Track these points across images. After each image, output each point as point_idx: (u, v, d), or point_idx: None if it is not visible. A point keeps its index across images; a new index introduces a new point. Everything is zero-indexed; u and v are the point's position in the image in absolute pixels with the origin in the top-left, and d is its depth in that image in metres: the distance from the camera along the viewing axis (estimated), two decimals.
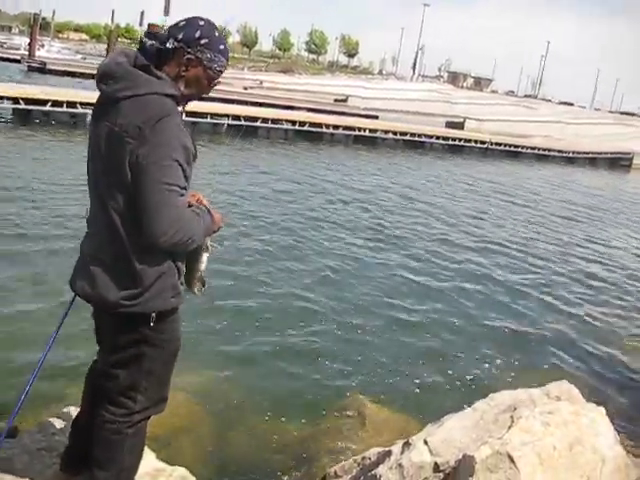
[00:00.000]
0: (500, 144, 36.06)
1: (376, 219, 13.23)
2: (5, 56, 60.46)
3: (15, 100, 20.50)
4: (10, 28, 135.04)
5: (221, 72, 2.57)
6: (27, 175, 12.31)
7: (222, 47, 2.55)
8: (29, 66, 50.61)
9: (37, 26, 60.29)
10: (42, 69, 49.04)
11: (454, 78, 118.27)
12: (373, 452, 3.87)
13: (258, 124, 26.12)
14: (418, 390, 6.05)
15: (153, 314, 2.56)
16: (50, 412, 3.81)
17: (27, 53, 56.22)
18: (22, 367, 4.75)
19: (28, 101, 20.65)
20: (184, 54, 2.46)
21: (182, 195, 2.37)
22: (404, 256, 10.69)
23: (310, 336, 6.86)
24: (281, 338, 6.74)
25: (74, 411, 3.69)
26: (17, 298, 6.67)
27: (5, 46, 71.20)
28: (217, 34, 2.55)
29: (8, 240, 8.42)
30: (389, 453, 3.55)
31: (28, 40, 61.57)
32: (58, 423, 3.61)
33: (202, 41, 2.49)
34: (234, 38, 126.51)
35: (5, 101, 20.47)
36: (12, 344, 5.66)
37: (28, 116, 20.78)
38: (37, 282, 7.13)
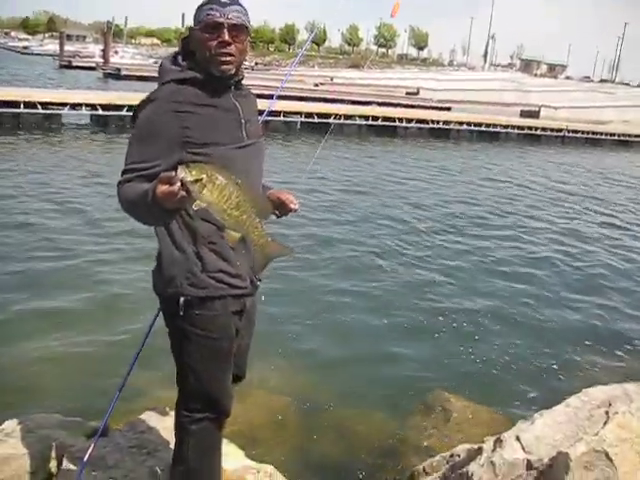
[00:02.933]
0: (577, 131, 35.21)
1: (469, 213, 13.07)
2: (81, 64, 62.54)
3: (92, 107, 21.12)
4: (85, 37, 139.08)
5: (210, 17, 2.50)
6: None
7: (205, 1, 2.54)
8: (104, 73, 52.25)
9: (110, 34, 62.00)
10: (117, 75, 50.62)
11: (527, 66, 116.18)
12: (462, 449, 3.81)
13: (331, 120, 26.19)
14: (502, 385, 5.94)
15: (180, 301, 2.55)
16: (140, 411, 3.87)
17: (102, 60, 57.88)
18: (115, 367, 4.88)
19: (105, 107, 21.24)
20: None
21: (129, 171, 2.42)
22: (495, 248, 10.55)
23: (392, 332, 6.82)
24: (364, 335, 6.73)
25: (163, 409, 3.81)
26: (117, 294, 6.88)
27: (81, 55, 73.48)
28: None
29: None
30: (480, 450, 3.47)
31: (102, 48, 63.37)
32: (148, 422, 3.70)
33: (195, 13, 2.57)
34: (302, 35, 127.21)
35: (83, 108, 21.07)
36: (105, 344, 5.83)
37: (105, 121, 21.39)
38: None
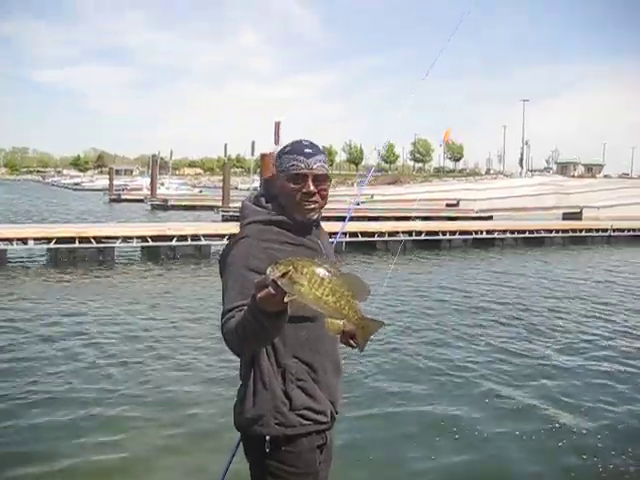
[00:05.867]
0: (623, 229, 35.06)
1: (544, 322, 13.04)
2: (130, 197, 64.89)
3: (143, 239, 21.91)
4: (132, 171, 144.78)
5: (294, 167, 2.64)
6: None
7: (288, 149, 2.72)
8: (152, 204, 54.00)
9: (157, 166, 64.39)
10: (164, 206, 52.32)
11: (563, 168, 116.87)
12: None
13: (375, 238, 26.58)
14: None
15: (267, 438, 2.60)
16: None
17: (149, 192, 59.91)
18: None
19: (155, 238, 21.99)
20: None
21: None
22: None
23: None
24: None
25: None
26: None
27: (129, 188, 76.29)
28: (293, 144, 2.74)
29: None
30: None
31: (149, 180, 65.74)
32: None
33: (278, 156, 2.77)
34: (340, 157, 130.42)
35: (135, 240, 21.85)
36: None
37: (156, 251, 22.07)
38: None
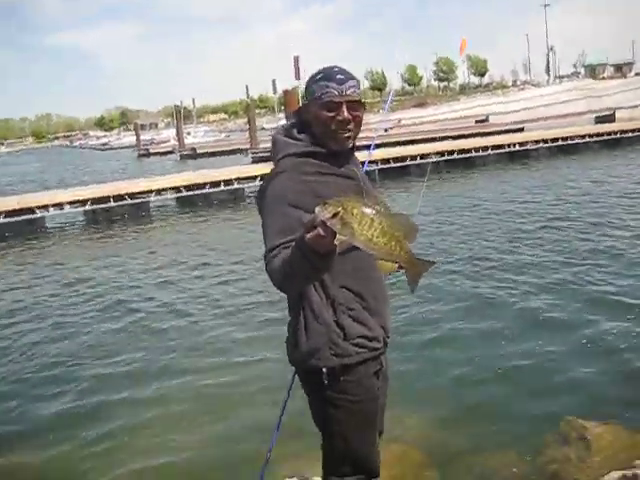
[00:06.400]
0: None
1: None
2: (158, 151, 65.19)
3: (176, 189, 22.13)
4: (157, 124, 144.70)
5: (328, 94, 2.56)
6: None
7: (320, 75, 2.62)
8: (181, 154, 54.34)
9: (181, 117, 64.34)
10: (193, 155, 52.60)
11: (592, 71, 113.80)
12: (613, 476, 3.76)
13: (408, 162, 26.37)
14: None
15: (324, 370, 2.60)
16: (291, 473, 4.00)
17: (177, 143, 60.07)
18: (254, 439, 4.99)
19: (188, 187, 22.20)
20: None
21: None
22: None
23: (513, 360, 6.84)
24: (486, 363, 6.74)
25: (304, 477, 3.88)
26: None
27: (156, 142, 76.48)
28: (324, 71, 2.64)
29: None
30: (635, 476, 3.45)
31: (175, 131, 65.81)
32: None
33: (308, 84, 2.69)
34: (363, 85, 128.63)
35: (168, 192, 22.11)
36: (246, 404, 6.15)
37: (191, 200, 22.29)
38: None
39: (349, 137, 2.65)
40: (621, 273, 9.55)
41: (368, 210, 2.09)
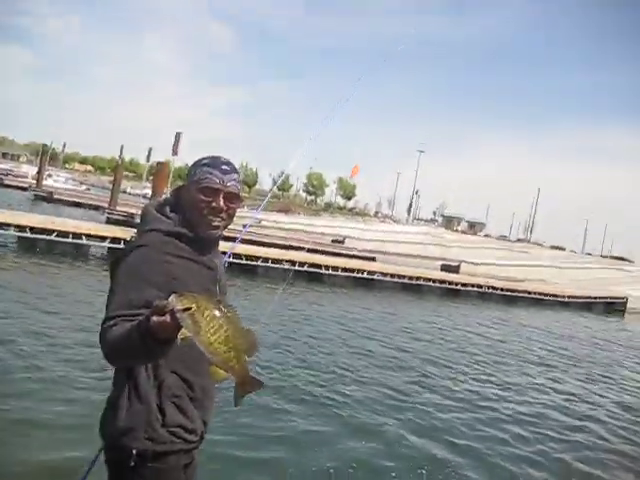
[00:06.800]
0: (496, 288, 36.42)
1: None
2: (13, 184, 62.37)
3: (21, 228, 20.93)
4: (19, 157, 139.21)
5: (208, 180, 2.61)
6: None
7: (206, 161, 2.68)
8: (35, 194, 52.14)
9: (47, 156, 62.29)
10: (48, 198, 50.50)
11: (448, 222, 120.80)
12: None
13: (259, 263, 26.47)
14: None
15: (134, 452, 2.49)
16: None
17: (34, 182, 57.85)
18: None
19: (34, 229, 21.05)
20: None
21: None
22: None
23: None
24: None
25: None
26: None
27: (12, 174, 73.31)
28: (211, 158, 2.70)
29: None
30: None
31: (36, 169, 63.39)
32: None
33: (192, 167, 2.73)
34: None
35: (12, 228, 20.85)
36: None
37: (33, 245, 21.08)
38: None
39: (218, 226, 2.67)
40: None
41: (219, 315, 2.09)
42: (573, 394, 13.59)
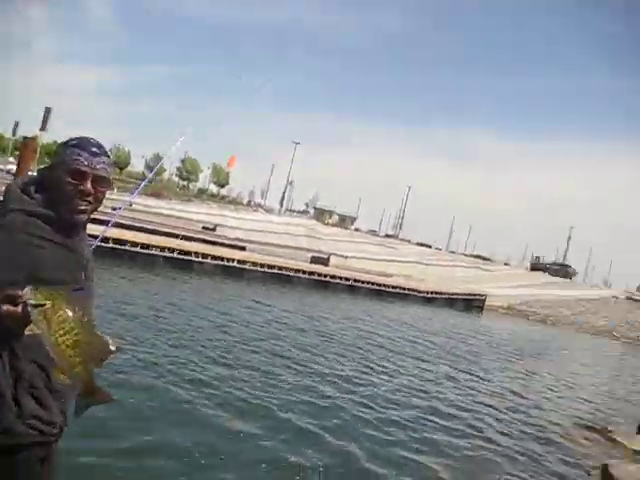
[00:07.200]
0: (364, 282, 37.16)
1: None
2: None
3: None
4: None
5: (76, 162, 2.52)
6: None
7: (75, 142, 2.59)
8: None
9: None
10: None
11: (320, 214, 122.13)
12: None
13: (127, 248, 25.81)
14: None
15: None
16: None
17: None
18: None
19: None
20: None
21: None
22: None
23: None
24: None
25: None
26: None
27: None
28: (80, 139, 2.61)
29: None
30: None
31: None
32: None
33: (59, 147, 2.63)
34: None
35: None
36: None
37: None
38: None
39: (85, 210, 2.56)
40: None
41: (72, 317, 2.02)
42: (426, 379, 14.12)
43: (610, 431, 13.31)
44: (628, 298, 64.26)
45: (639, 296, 66.06)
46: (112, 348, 2.17)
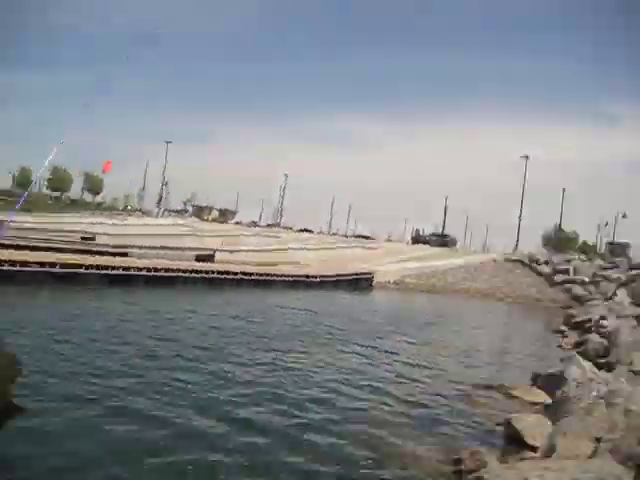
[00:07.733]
0: (251, 274, 37.24)
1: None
2: None
3: None
4: None
5: None
6: None
7: None
8: None
9: None
10: None
11: (199, 211, 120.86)
12: None
13: (3, 268, 24.90)
14: None
15: None
16: None
17: None
18: None
19: None
20: None
21: None
22: None
23: None
24: None
25: None
26: None
27: None
28: None
29: None
30: None
31: None
32: None
33: None
34: None
35: None
36: None
37: None
38: None
39: None
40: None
41: None
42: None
43: (507, 387, 14.15)
44: (506, 260, 67.17)
45: (516, 257, 69.07)
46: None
